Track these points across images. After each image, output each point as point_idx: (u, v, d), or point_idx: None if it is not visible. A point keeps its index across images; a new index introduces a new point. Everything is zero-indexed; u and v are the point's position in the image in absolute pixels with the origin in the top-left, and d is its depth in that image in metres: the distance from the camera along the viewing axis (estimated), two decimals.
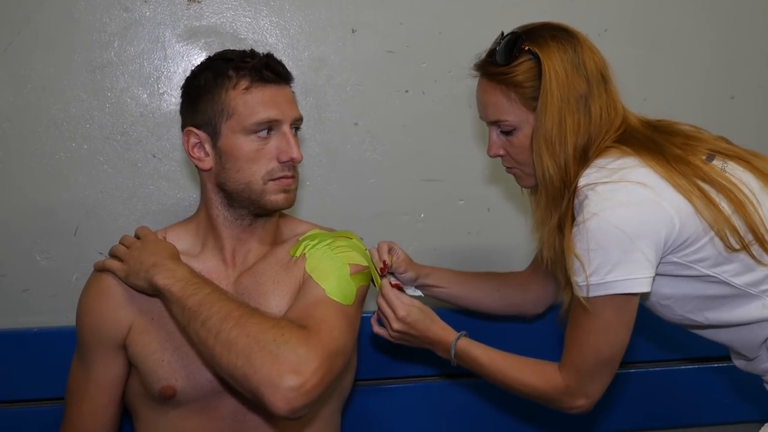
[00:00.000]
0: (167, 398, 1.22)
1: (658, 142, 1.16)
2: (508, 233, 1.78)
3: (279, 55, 1.70)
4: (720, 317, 1.18)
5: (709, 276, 1.14)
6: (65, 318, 1.53)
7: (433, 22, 1.70)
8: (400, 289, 1.34)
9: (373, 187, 1.73)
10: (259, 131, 1.20)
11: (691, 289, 1.16)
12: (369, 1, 1.69)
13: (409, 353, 1.42)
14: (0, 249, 1.60)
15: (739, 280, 1.14)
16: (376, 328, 1.35)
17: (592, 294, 1.11)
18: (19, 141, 1.59)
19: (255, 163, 1.21)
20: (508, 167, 1.29)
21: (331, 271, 1.23)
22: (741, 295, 1.15)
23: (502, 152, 1.26)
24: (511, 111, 1.20)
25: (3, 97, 1.57)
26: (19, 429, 1.49)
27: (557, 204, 1.18)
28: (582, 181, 1.14)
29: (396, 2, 1.70)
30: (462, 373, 1.40)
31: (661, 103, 1.80)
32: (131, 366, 1.27)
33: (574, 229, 1.12)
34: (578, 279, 1.11)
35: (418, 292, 1.38)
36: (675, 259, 1.13)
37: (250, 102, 1.20)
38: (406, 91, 1.73)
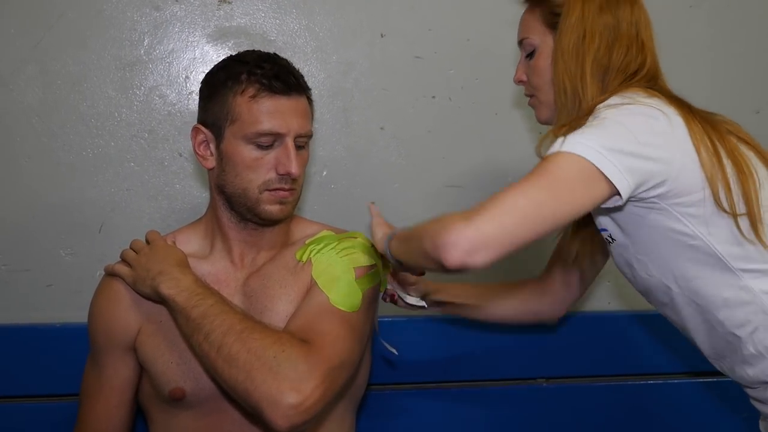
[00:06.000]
0: (177, 400, 1.22)
1: (685, 102, 1.16)
2: None
3: (307, 58, 1.70)
4: (690, 286, 1.14)
5: (695, 235, 1.10)
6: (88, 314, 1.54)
7: (461, 29, 1.70)
8: (395, 299, 1.33)
9: (397, 192, 1.73)
10: (260, 141, 1.18)
11: (673, 245, 1.13)
12: (398, 7, 1.70)
13: (426, 358, 1.41)
14: (25, 244, 1.61)
15: (722, 248, 1.11)
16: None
17: (566, 147, 1.00)
18: (47, 136, 1.59)
19: (253, 171, 1.19)
20: (528, 95, 1.30)
21: (337, 278, 1.22)
22: (719, 266, 1.11)
23: (524, 78, 1.27)
24: (534, 29, 1.23)
25: (33, 92, 1.58)
26: (41, 424, 1.49)
27: (569, 117, 1.16)
28: (602, 104, 1.11)
29: (425, 8, 1.71)
30: (479, 379, 1.37)
31: None
32: (142, 368, 1.27)
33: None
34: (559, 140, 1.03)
35: (422, 303, 1.35)
36: (665, 205, 1.09)
37: (255, 111, 1.17)
38: (433, 97, 1.73)
